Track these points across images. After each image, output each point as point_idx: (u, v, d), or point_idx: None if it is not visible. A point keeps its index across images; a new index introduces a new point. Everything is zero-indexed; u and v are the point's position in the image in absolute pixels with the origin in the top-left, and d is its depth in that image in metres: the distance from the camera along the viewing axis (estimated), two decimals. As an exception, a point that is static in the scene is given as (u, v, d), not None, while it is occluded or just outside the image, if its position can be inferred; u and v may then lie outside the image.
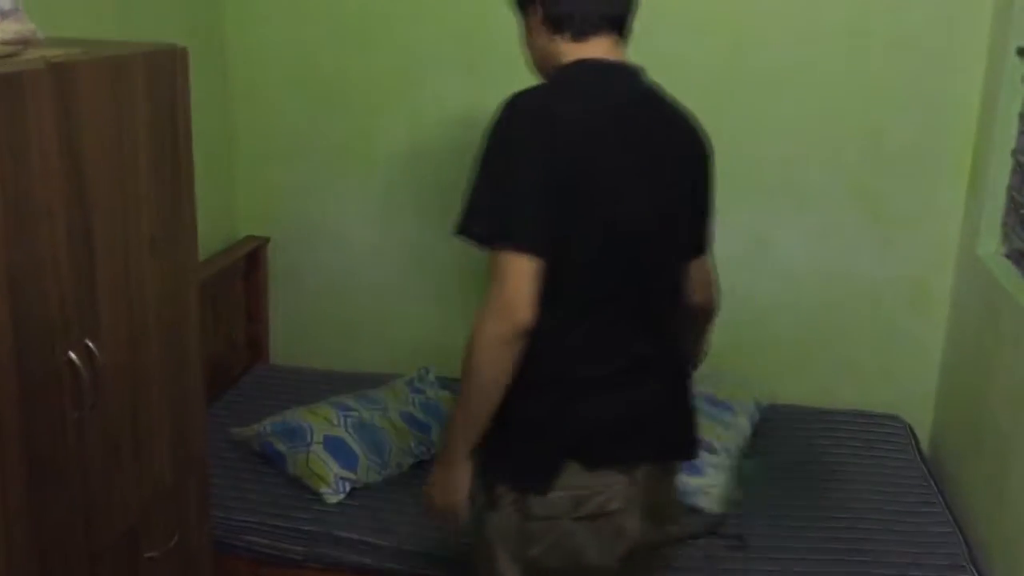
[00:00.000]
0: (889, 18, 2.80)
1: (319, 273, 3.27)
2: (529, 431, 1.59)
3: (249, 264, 3.20)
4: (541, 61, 1.68)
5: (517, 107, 1.53)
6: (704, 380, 2.78)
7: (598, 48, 1.63)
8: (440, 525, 1.75)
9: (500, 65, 2.96)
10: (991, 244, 2.72)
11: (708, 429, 2.59)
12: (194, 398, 1.93)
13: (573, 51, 1.62)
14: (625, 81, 1.64)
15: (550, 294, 1.49)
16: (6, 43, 1.69)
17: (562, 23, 1.62)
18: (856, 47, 2.83)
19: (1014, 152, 2.63)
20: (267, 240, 3.24)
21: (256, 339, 3.28)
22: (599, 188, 1.53)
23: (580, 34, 1.62)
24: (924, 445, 2.99)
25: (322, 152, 3.10)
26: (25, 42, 1.74)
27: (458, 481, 1.62)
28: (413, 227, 3.15)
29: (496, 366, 1.50)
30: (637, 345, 1.61)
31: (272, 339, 3.34)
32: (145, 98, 1.68)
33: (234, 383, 3.10)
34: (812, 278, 3.02)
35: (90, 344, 1.57)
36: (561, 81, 1.61)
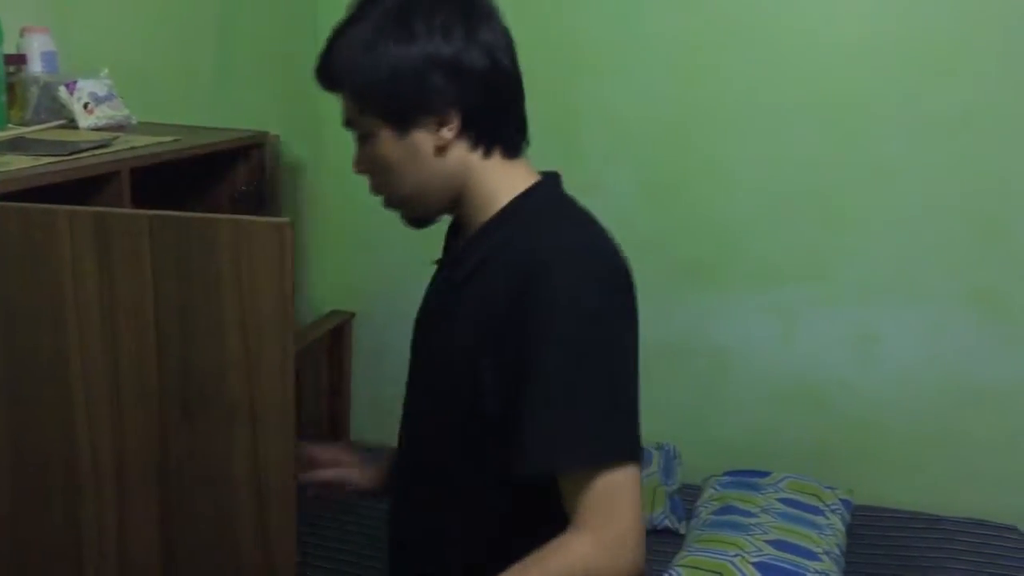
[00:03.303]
0: (1000, 105, 2.68)
1: (403, 351, 3.20)
2: None
3: (334, 339, 3.16)
4: (432, 187, 1.20)
5: (588, 261, 1.13)
6: (781, 483, 2.72)
7: (527, 165, 1.24)
8: None
9: (596, 144, 3.04)
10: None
11: (803, 536, 2.45)
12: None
13: (503, 174, 1.20)
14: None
15: None
16: (100, 129, 1.69)
17: (496, 137, 1.20)
18: (968, 135, 2.71)
19: None
20: (352, 315, 3.21)
21: (337, 416, 3.22)
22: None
23: (513, 150, 1.22)
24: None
25: (410, 235, 3.06)
26: (120, 127, 1.74)
27: None
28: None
29: None
30: None
31: (353, 416, 3.28)
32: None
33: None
34: (926, 377, 2.86)
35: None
36: (570, 214, 1.21)
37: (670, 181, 2.88)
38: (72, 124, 1.68)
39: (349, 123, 1.21)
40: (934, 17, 2.68)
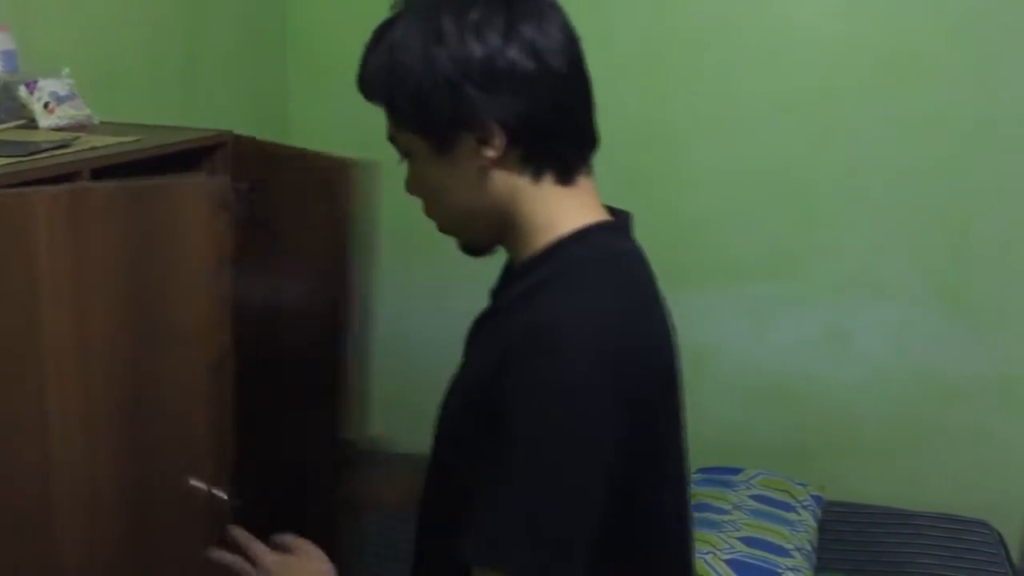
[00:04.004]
0: (971, 107, 2.70)
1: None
2: None
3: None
4: (479, 214, 1.04)
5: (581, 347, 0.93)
6: (753, 479, 2.73)
7: (587, 195, 1.06)
8: None
9: None
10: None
11: (775, 532, 2.46)
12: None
13: (555, 204, 1.03)
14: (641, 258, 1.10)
15: None
16: (61, 129, 1.66)
17: (547, 156, 1.01)
18: (939, 136, 2.73)
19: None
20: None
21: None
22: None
23: (568, 173, 1.03)
24: (1015, 554, 2.78)
25: (385, 234, 3.05)
26: (82, 127, 1.71)
27: None
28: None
29: None
30: None
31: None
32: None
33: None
34: (896, 373, 2.88)
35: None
36: (607, 275, 1.02)
37: (642, 179, 2.88)
38: (32, 124, 1.65)
39: (391, 139, 1.06)
40: (905, 17, 2.70)
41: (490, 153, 0.99)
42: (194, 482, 1.34)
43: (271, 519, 1.26)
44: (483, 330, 1.11)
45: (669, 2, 2.82)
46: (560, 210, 1.03)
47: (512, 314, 1.02)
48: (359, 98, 1.06)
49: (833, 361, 2.91)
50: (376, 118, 1.08)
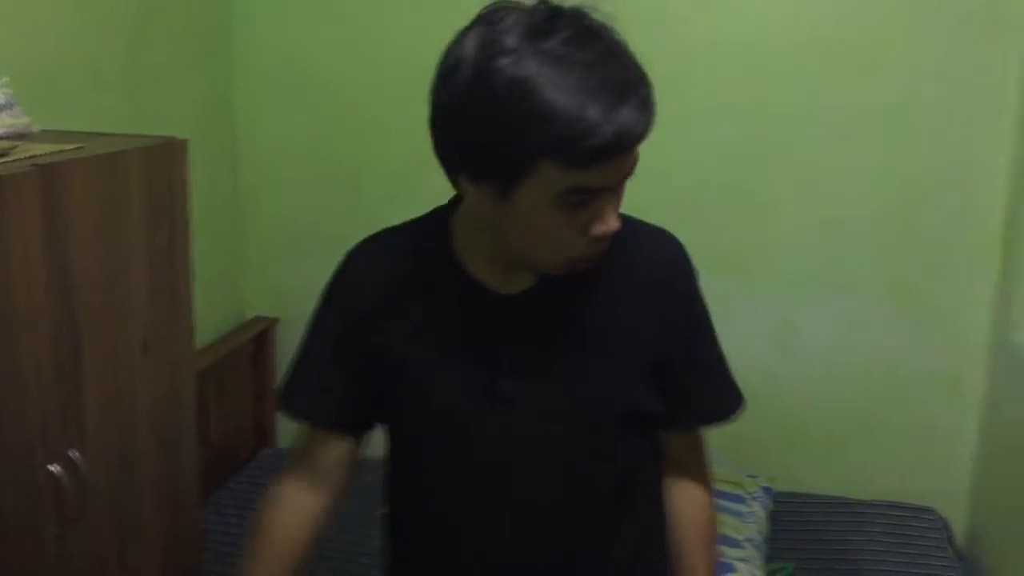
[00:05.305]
0: (914, 97, 2.75)
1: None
2: None
3: (256, 346, 3.12)
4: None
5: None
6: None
7: None
8: None
9: None
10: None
11: (725, 524, 2.49)
12: (189, 506, 1.84)
13: None
14: None
15: None
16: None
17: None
18: (888, 132, 2.78)
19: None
20: (275, 321, 3.17)
21: (263, 423, 3.19)
22: None
23: None
24: (961, 539, 2.85)
25: (334, 237, 3.03)
26: (20, 136, 1.69)
27: None
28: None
29: None
30: None
31: (280, 422, 3.25)
32: (141, 196, 1.62)
33: (241, 468, 3.01)
34: (845, 366, 2.93)
35: (73, 456, 1.48)
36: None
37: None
38: (-31, 134, 1.64)
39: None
40: (855, 14, 2.73)
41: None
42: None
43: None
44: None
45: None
46: None
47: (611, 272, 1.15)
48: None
49: (784, 355, 2.94)
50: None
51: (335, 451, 1.24)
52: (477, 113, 0.98)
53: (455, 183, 1.08)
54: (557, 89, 0.94)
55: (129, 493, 1.65)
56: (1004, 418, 2.70)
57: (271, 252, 3.16)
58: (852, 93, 2.77)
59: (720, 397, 1.26)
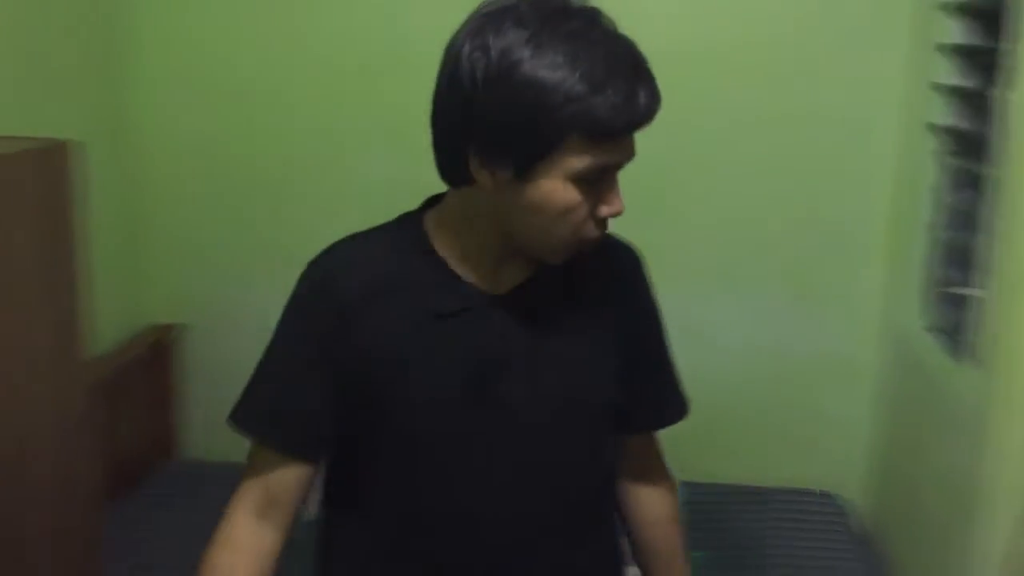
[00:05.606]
0: (806, 99, 2.85)
1: (240, 361, 3.11)
2: None
3: (155, 354, 3.03)
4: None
5: None
6: None
7: None
8: None
9: (422, 143, 2.94)
10: (912, 319, 2.71)
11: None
12: (90, 523, 1.77)
13: None
14: None
15: None
16: None
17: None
18: (780, 130, 2.87)
19: (929, 226, 2.64)
20: (171, 328, 3.08)
21: (162, 434, 3.09)
22: None
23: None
24: (859, 522, 2.95)
25: (238, 240, 2.98)
26: None
27: None
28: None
29: None
30: None
31: (191, 432, 3.16)
32: (30, 200, 1.55)
33: (143, 479, 2.90)
34: (747, 358, 3.01)
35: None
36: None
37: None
38: None
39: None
40: (753, 28, 2.82)
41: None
42: None
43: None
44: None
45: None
46: None
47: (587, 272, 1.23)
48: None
49: (687, 351, 2.98)
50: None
51: (291, 477, 1.18)
52: (503, 94, 1.01)
53: (454, 178, 1.11)
54: (584, 63, 1.00)
55: (20, 513, 1.58)
56: (895, 401, 2.81)
57: (171, 258, 3.06)
58: (750, 99, 2.85)
59: (676, 400, 1.38)
